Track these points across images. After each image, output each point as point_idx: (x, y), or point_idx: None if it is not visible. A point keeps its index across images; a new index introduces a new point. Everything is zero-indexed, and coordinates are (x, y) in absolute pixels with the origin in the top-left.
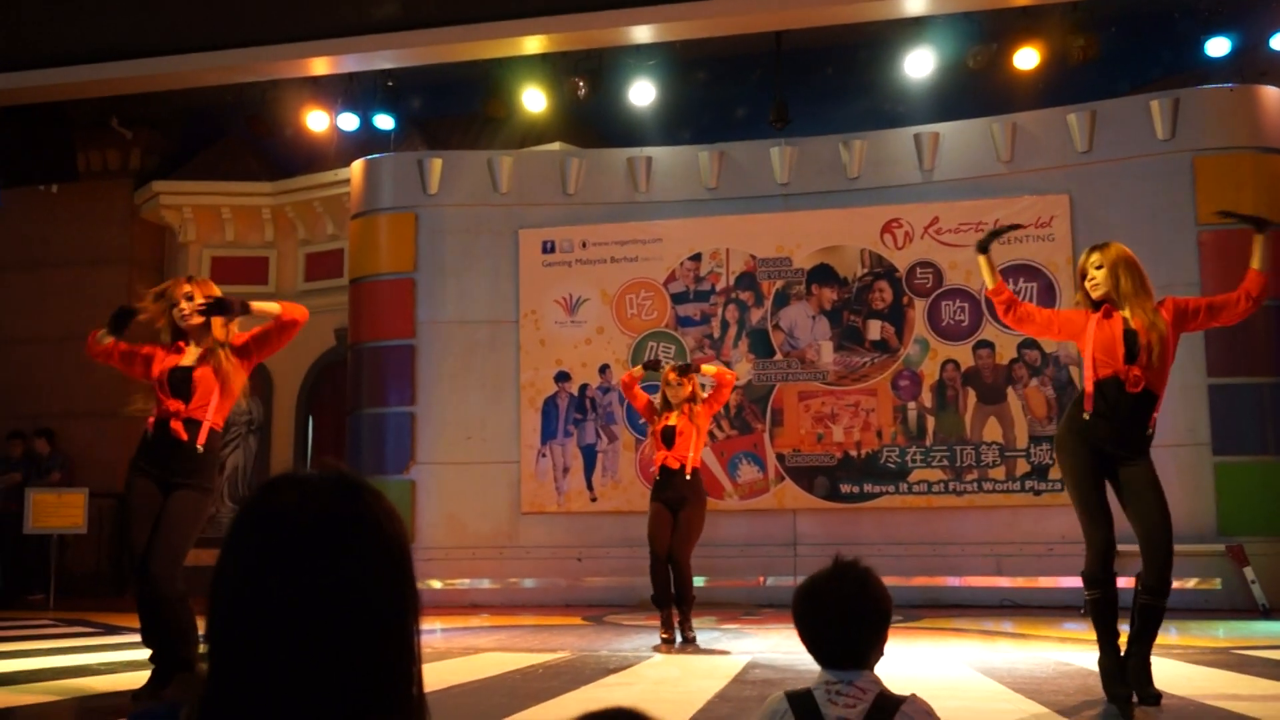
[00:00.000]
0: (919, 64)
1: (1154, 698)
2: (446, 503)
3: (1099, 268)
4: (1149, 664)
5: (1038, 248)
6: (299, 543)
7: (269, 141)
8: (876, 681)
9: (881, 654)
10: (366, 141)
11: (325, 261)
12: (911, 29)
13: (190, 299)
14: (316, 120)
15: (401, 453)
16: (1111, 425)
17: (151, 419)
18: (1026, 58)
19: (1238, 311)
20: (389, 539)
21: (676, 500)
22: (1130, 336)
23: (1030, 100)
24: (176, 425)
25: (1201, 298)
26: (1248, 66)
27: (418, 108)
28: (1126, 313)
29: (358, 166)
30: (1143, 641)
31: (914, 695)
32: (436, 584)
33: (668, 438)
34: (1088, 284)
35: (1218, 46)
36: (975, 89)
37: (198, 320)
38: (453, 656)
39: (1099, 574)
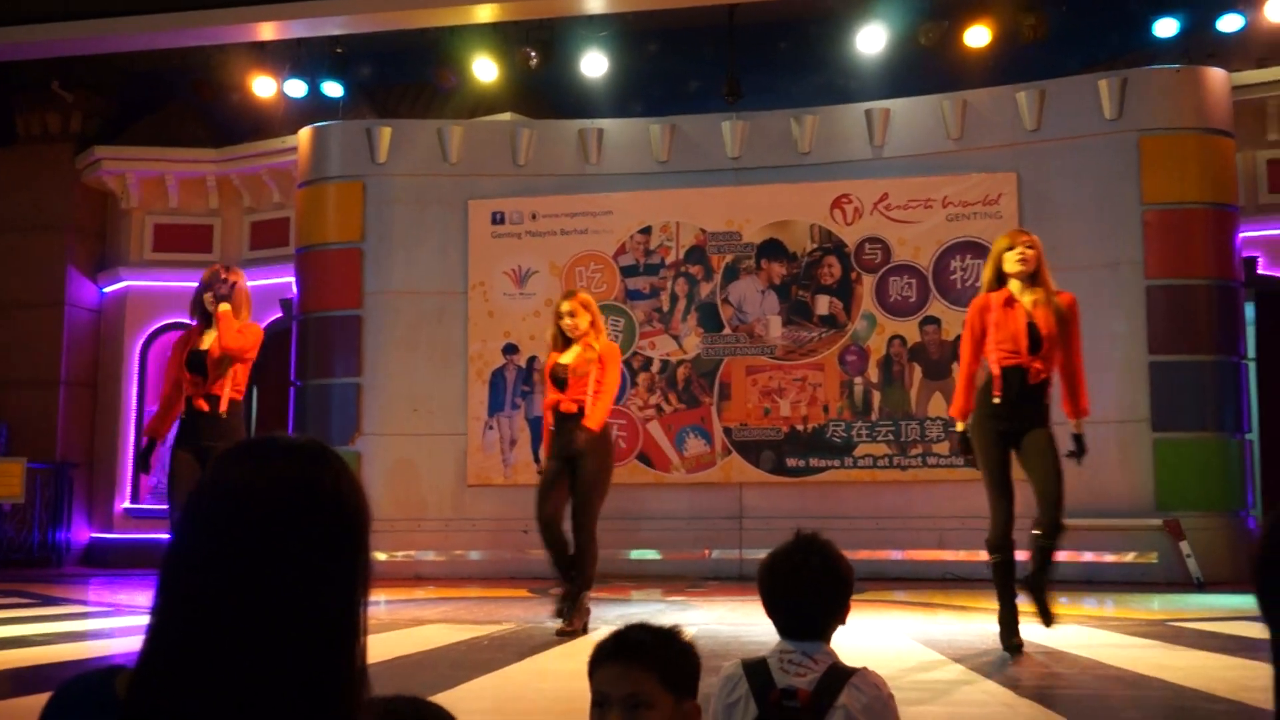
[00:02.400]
0: (871, 40)
1: (1018, 647)
2: (393, 475)
3: (1030, 248)
4: (1045, 591)
5: (985, 225)
6: (253, 511)
7: (214, 107)
8: (831, 654)
9: (842, 624)
10: (314, 109)
11: (271, 230)
12: (863, 5)
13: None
14: (263, 86)
15: (347, 424)
16: (1017, 409)
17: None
18: (977, 35)
19: (1063, 371)
20: (346, 509)
21: (570, 451)
22: (1033, 330)
23: (980, 78)
24: (200, 400)
25: (1077, 337)
26: (1195, 48)
27: (367, 76)
28: (1028, 302)
29: (305, 134)
30: (1040, 574)
31: (865, 668)
32: (382, 556)
33: (559, 378)
34: (1014, 256)
35: (1165, 27)
36: (926, 66)
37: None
38: (398, 628)
39: (1001, 542)
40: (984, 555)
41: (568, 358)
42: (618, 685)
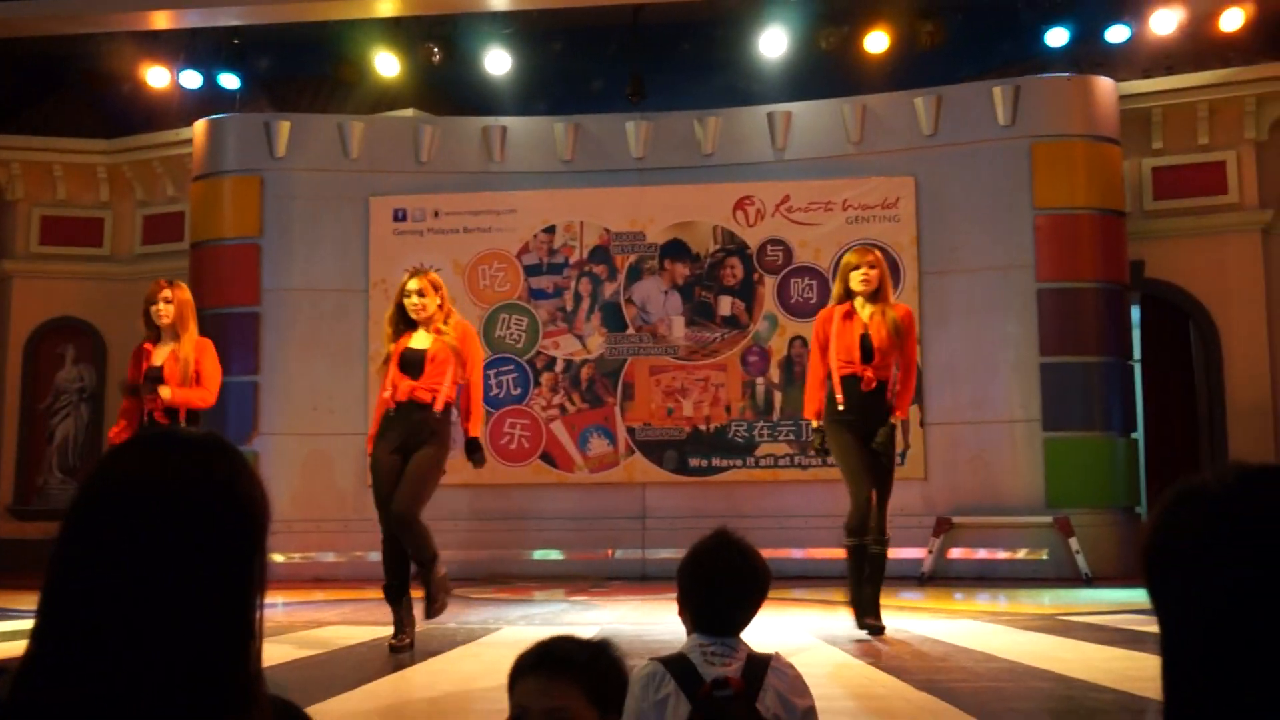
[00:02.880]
0: (772, 43)
1: (879, 629)
2: (291, 475)
3: (873, 267)
4: (878, 598)
5: (883, 228)
6: (146, 505)
7: (106, 96)
8: (743, 643)
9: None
10: (210, 100)
11: (165, 224)
12: (765, 8)
13: (169, 302)
14: (157, 76)
15: (244, 423)
16: (860, 413)
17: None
18: (876, 41)
19: (901, 373)
20: (243, 505)
21: (412, 442)
22: (865, 341)
23: (879, 83)
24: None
25: (912, 347)
26: (1084, 57)
27: (265, 67)
28: (866, 315)
29: (201, 126)
30: (874, 582)
31: (777, 654)
32: (280, 557)
33: (412, 364)
34: (858, 276)
35: (1057, 37)
36: (827, 70)
37: (166, 321)
38: (297, 630)
39: (858, 527)
40: (889, 553)
41: (422, 342)
42: (539, 699)
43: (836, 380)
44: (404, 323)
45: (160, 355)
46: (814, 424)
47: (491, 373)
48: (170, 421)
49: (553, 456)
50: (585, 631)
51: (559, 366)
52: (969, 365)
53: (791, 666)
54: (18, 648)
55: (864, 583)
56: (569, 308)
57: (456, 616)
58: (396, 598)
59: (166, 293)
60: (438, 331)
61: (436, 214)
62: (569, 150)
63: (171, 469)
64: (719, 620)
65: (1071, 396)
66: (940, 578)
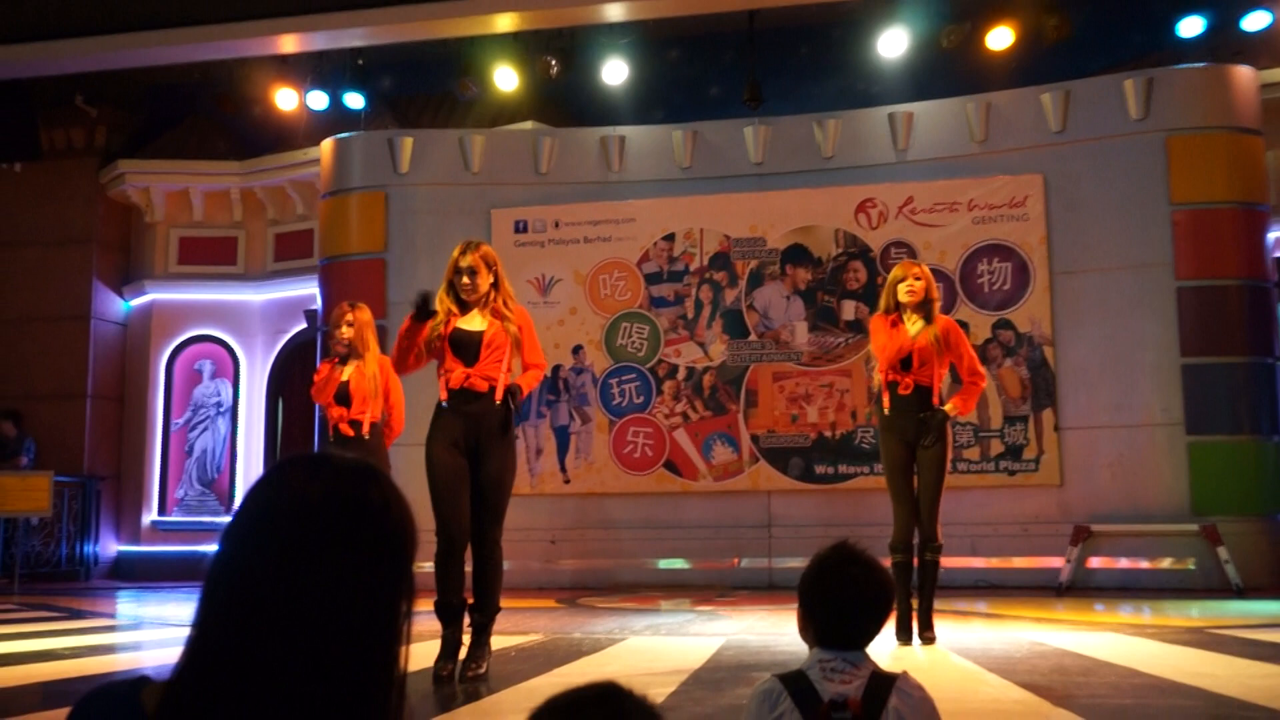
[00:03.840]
0: (892, 43)
1: (931, 639)
2: (420, 486)
3: (918, 279)
4: (931, 609)
5: (1011, 227)
6: (304, 523)
7: (237, 120)
8: (869, 659)
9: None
10: (336, 120)
11: (295, 242)
12: (885, 8)
13: (350, 325)
14: (285, 98)
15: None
16: (901, 416)
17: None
18: (1000, 37)
19: (971, 389)
20: (393, 526)
21: (481, 442)
22: (907, 355)
23: (1004, 80)
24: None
25: (966, 353)
26: (1221, 46)
27: (388, 86)
28: (910, 324)
29: (327, 145)
30: (927, 592)
31: (905, 673)
32: None
33: (467, 348)
34: (904, 288)
35: (1190, 27)
36: (949, 68)
37: (347, 340)
38: (424, 639)
39: (899, 544)
40: (1018, 562)
41: (476, 323)
42: None
43: (882, 384)
44: (456, 303)
45: (346, 372)
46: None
47: (614, 381)
48: (355, 434)
49: (676, 465)
50: (712, 643)
51: (681, 374)
52: (1106, 367)
53: (920, 688)
54: (164, 656)
55: (918, 593)
56: (690, 315)
57: (582, 626)
58: (455, 617)
59: (350, 315)
60: (495, 314)
61: (557, 224)
62: (687, 157)
63: (330, 490)
64: (843, 635)
65: (1216, 398)
66: (1079, 588)
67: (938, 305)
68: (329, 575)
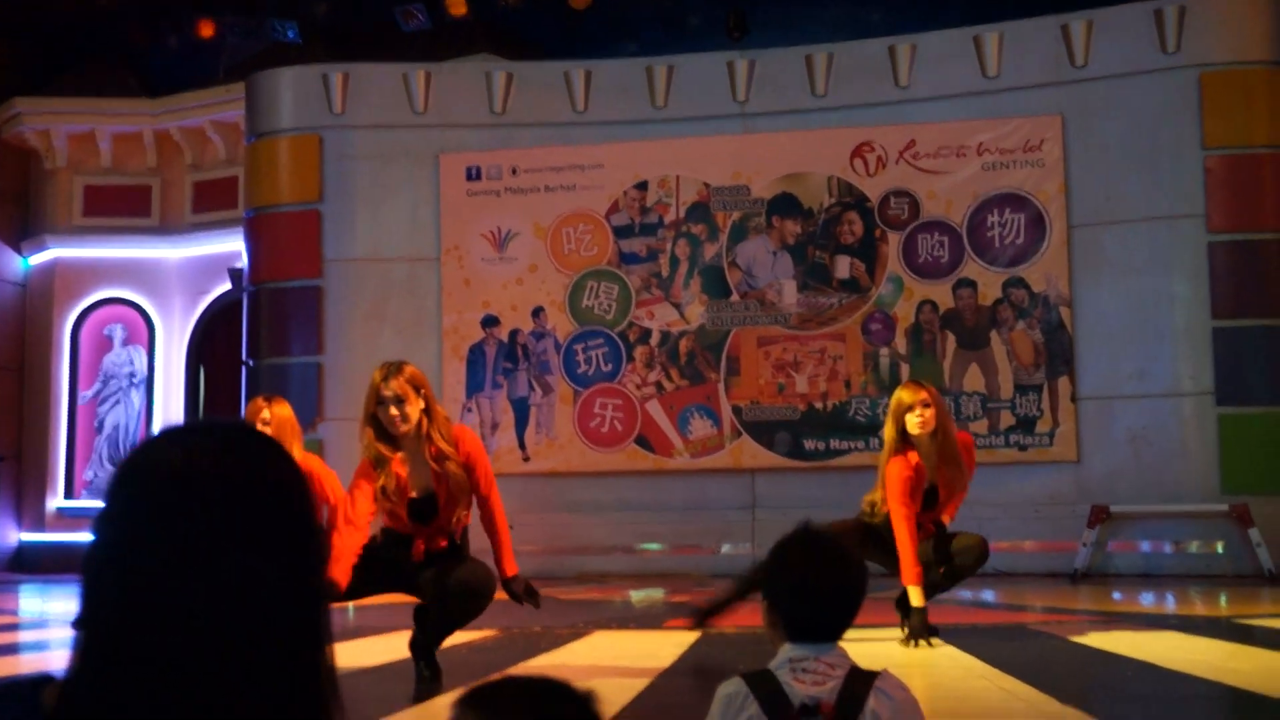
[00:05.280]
0: None
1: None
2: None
3: (927, 406)
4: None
5: (1026, 174)
6: (182, 503)
7: (150, 54)
8: (845, 655)
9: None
10: (263, 54)
11: (217, 191)
12: None
13: (267, 424)
14: (204, 29)
15: (307, 408)
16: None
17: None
18: None
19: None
20: (289, 500)
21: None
22: (931, 491)
23: (1019, 7)
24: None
25: (971, 468)
26: None
27: (322, 13)
28: (925, 458)
29: (254, 82)
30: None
31: (886, 670)
32: None
33: (424, 510)
34: (915, 420)
35: None
36: None
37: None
38: (366, 635)
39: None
40: (1030, 547)
41: (420, 476)
42: None
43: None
44: (383, 436)
45: None
46: (916, 600)
47: (579, 348)
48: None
49: (649, 440)
50: (685, 638)
51: (654, 339)
52: (1128, 331)
53: (903, 687)
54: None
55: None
56: (665, 273)
57: (541, 619)
58: (425, 654)
59: (266, 412)
60: (434, 453)
61: (514, 171)
62: (662, 96)
63: (210, 463)
64: (813, 627)
65: (1250, 365)
66: (1097, 574)
67: (953, 426)
68: (218, 557)
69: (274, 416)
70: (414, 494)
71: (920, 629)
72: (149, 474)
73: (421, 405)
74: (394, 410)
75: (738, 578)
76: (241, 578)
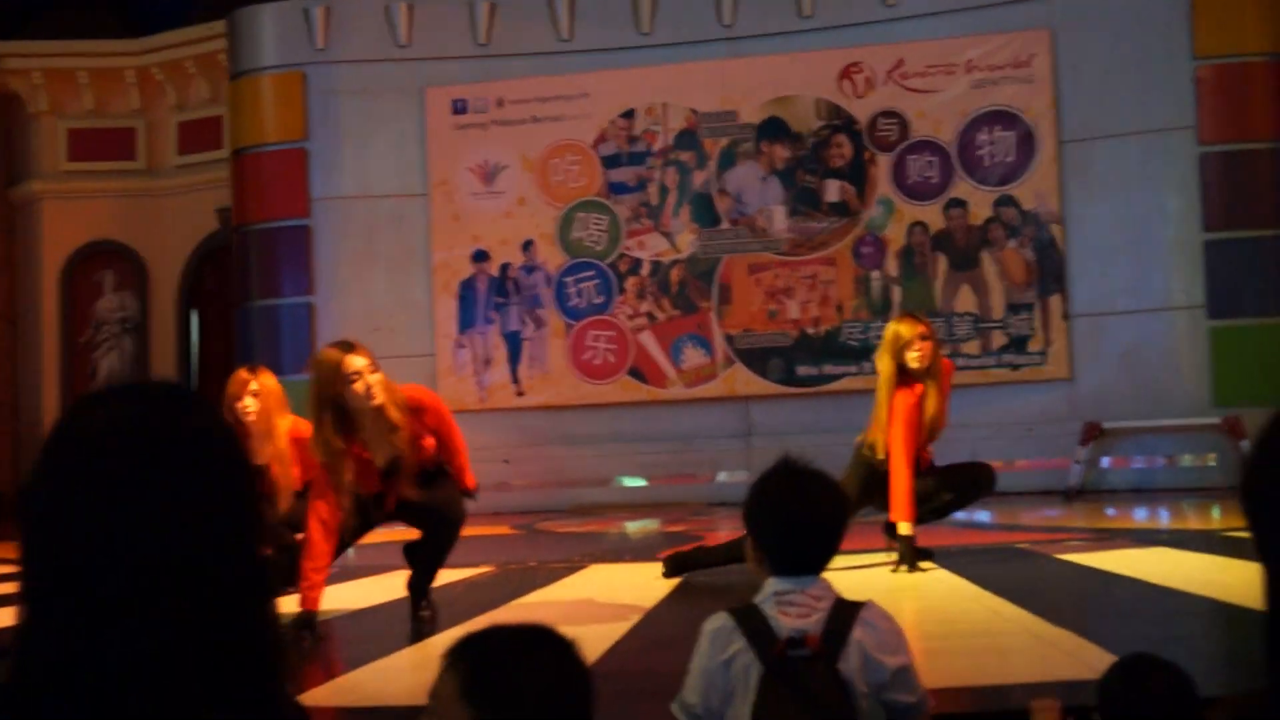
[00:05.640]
0: None
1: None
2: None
3: (926, 339)
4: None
5: (1015, 91)
6: (111, 465)
7: None
8: (829, 587)
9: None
10: None
11: (202, 131)
12: None
13: (255, 395)
14: None
15: (299, 349)
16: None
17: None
18: None
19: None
20: (221, 458)
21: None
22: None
23: None
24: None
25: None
26: None
27: None
28: (925, 393)
29: (235, 18)
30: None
31: (871, 602)
32: None
33: (393, 470)
34: (914, 355)
35: None
36: None
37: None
38: (362, 575)
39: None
40: (1023, 465)
41: (379, 442)
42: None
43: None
44: (340, 424)
45: (263, 458)
46: (904, 529)
47: (570, 280)
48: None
49: (642, 371)
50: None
51: (645, 269)
52: (1120, 246)
53: (887, 618)
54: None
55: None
56: (654, 202)
57: (539, 554)
58: (421, 593)
59: (254, 383)
60: (390, 423)
61: (500, 103)
62: (648, 21)
63: (137, 423)
64: (797, 559)
65: (1242, 278)
66: (1090, 491)
67: (940, 358)
68: (145, 520)
69: (261, 388)
70: (380, 463)
71: (908, 556)
72: (73, 436)
73: (381, 376)
74: (366, 383)
75: (725, 545)
76: (170, 536)
